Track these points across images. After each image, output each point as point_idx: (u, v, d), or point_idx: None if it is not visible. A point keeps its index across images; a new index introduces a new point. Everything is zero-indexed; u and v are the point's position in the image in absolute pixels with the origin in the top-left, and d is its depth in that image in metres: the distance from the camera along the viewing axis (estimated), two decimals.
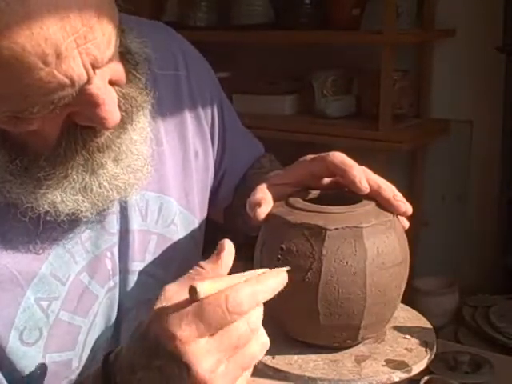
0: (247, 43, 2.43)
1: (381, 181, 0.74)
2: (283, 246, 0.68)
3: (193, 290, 0.55)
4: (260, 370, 0.69)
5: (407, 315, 0.78)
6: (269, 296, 0.59)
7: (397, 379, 0.67)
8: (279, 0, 2.28)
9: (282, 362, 0.69)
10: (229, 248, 0.62)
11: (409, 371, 0.68)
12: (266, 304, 0.66)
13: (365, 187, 0.72)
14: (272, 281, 0.59)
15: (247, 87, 2.37)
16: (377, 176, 0.75)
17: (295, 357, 0.70)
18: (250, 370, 0.60)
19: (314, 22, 2.20)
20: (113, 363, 0.63)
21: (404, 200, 0.73)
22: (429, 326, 0.76)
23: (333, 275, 0.66)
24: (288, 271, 0.66)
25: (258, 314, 0.58)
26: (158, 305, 0.59)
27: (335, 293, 0.66)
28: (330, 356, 0.70)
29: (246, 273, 0.60)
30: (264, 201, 0.74)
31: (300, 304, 0.68)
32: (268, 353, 0.69)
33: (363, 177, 0.73)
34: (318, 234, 0.66)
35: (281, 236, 0.68)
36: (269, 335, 0.69)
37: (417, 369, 0.68)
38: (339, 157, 0.75)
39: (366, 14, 2.16)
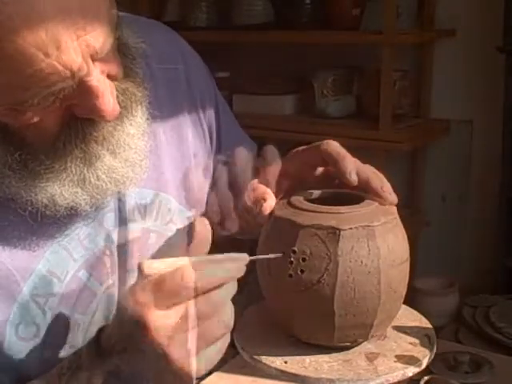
0: (247, 43, 2.43)
1: (370, 172, 0.74)
2: (295, 248, 0.66)
3: (140, 266, 0.62)
4: (276, 376, 0.68)
5: (407, 315, 0.78)
6: (225, 278, 0.62)
7: (410, 374, 0.67)
8: (279, 0, 2.28)
9: (295, 366, 0.68)
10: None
11: (420, 365, 0.68)
12: (275, 307, 0.66)
13: (354, 180, 0.73)
14: (229, 264, 0.62)
15: (247, 87, 2.36)
16: (367, 166, 0.75)
17: (307, 360, 0.69)
18: (212, 347, 0.62)
19: (314, 21, 2.20)
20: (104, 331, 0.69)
21: (391, 191, 0.73)
22: (429, 326, 0.76)
23: (349, 275, 0.66)
24: (302, 273, 0.66)
25: (219, 294, 0.61)
26: None
27: (351, 292, 0.66)
28: (340, 356, 0.69)
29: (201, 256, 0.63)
30: (268, 195, 0.74)
31: (314, 305, 0.67)
32: (279, 357, 0.68)
33: (354, 169, 0.73)
34: (332, 234, 0.66)
35: (291, 238, 0.67)
36: (274, 339, 0.68)
37: (425, 362, 0.69)
38: (333, 146, 0.75)
39: (366, 14, 2.15)
